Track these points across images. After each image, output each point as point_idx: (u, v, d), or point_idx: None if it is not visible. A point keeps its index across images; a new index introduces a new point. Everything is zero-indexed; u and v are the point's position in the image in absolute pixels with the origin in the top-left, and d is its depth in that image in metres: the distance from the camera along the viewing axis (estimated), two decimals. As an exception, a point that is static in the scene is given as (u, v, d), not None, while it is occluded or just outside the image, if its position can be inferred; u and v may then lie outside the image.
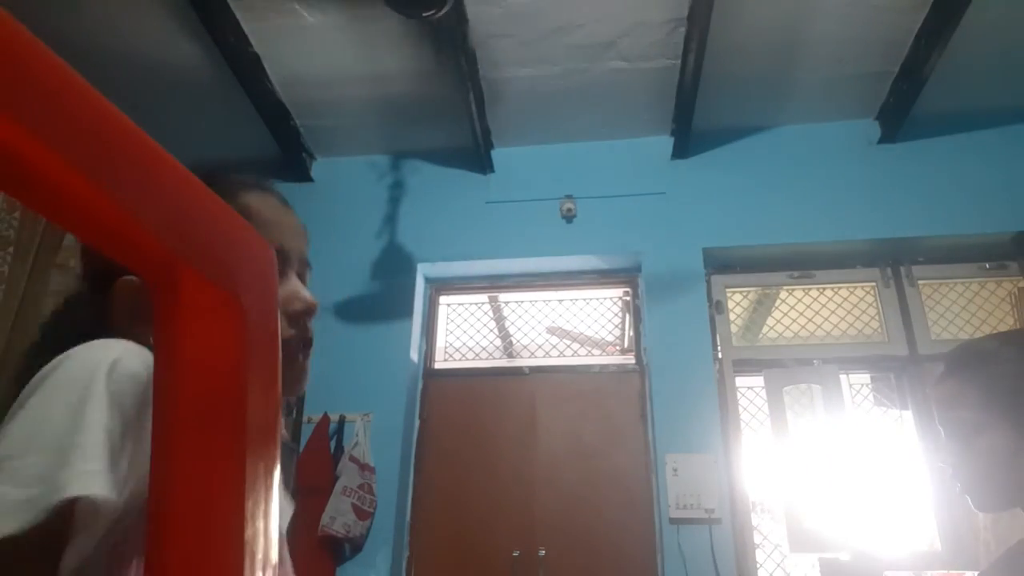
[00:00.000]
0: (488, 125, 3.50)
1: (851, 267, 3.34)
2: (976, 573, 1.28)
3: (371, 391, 3.17)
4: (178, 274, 0.30)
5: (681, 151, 3.49)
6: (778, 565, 3.05)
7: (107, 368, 0.42)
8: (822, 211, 3.29)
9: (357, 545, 2.89)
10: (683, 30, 2.95)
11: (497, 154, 3.65)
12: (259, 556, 0.31)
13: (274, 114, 3.40)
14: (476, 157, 3.58)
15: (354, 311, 3.38)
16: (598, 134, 3.58)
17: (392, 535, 2.93)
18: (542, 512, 3.03)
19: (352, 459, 2.93)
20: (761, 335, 3.50)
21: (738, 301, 3.48)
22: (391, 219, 3.60)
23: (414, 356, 3.35)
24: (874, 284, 3.31)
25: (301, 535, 2.83)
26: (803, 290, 3.40)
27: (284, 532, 0.67)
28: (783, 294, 3.45)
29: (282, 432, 0.39)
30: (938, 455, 0.99)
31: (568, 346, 3.53)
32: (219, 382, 0.31)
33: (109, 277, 0.57)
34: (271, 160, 3.69)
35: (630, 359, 3.37)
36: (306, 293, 0.68)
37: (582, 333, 3.57)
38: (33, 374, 0.54)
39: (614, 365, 3.38)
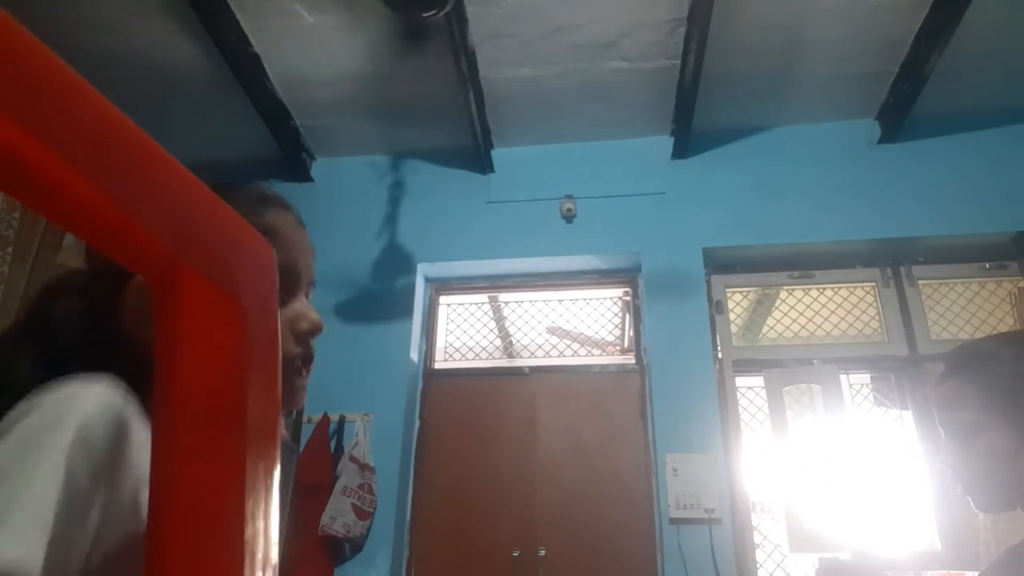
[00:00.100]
0: (488, 125, 3.50)
1: (851, 267, 3.34)
2: (976, 573, 1.28)
3: (371, 391, 3.17)
4: (178, 274, 0.30)
5: (681, 151, 3.49)
6: (778, 565, 3.05)
7: (77, 424, 0.40)
8: (822, 211, 3.29)
9: (357, 545, 2.89)
10: (683, 30, 2.95)
11: (497, 154, 3.65)
12: (259, 556, 0.31)
13: (274, 114, 3.40)
14: (476, 157, 3.58)
15: (354, 311, 3.38)
16: (598, 134, 3.58)
17: (392, 535, 2.93)
18: (542, 512, 3.03)
19: (352, 459, 2.93)
20: (761, 335, 3.50)
21: (738, 301, 3.48)
22: (391, 219, 3.60)
23: (414, 356, 3.35)
24: (874, 284, 3.31)
25: (301, 535, 2.84)
26: (803, 290, 3.40)
27: None
28: (783, 294, 3.45)
29: (282, 432, 0.38)
30: (939, 456, 0.99)
31: (568, 346, 3.53)
32: (219, 382, 0.31)
33: (116, 277, 0.56)
34: (271, 160, 3.69)
35: (630, 359, 3.37)
36: (313, 313, 0.67)
37: (582, 333, 3.57)
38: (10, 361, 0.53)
39: (614, 365, 3.38)
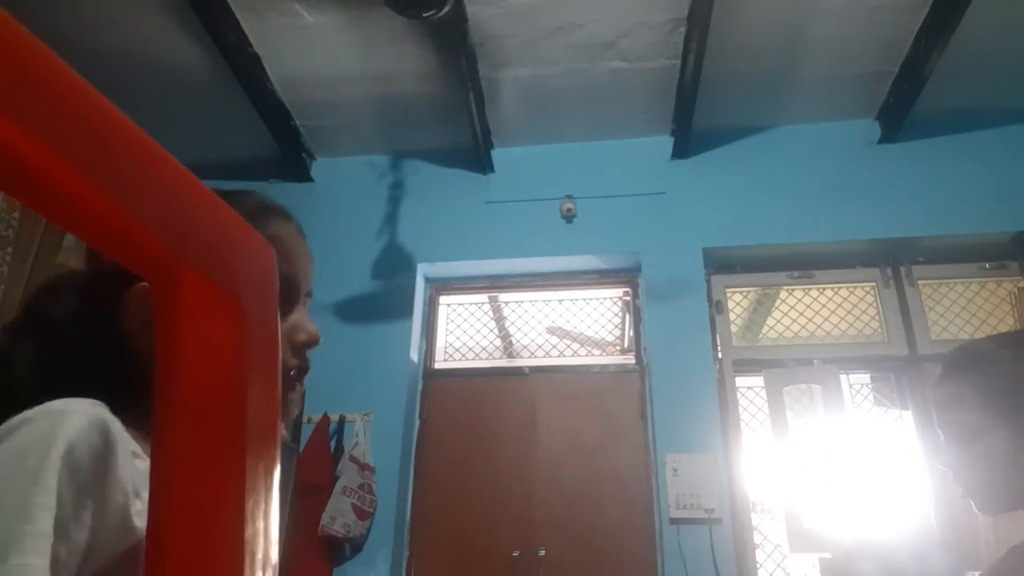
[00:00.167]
0: (488, 125, 3.50)
1: (851, 267, 3.34)
2: (977, 573, 1.28)
3: (371, 391, 3.17)
4: (178, 274, 0.30)
5: (681, 151, 3.49)
6: (778, 565, 3.05)
7: (63, 447, 0.40)
8: (822, 211, 3.29)
9: (357, 545, 2.89)
10: (683, 30, 2.95)
11: (497, 154, 3.65)
12: (259, 556, 0.31)
13: (274, 114, 3.40)
14: (476, 157, 3.58)
15: (354, 311, 3.38)
16: (598, 134, 3.58)
17: (392, 535, 2.93)
18: (542, 512, 3.03)
19: (352, 459, 2.93)
20: (761, 335, 3.51)
21: (738, 301, 3.48)
22: (391, 219, 3.60)
23: (414, 356, 3.35)
24: (874, 284, 3.31)
25: (301, 535, 2.84)
26: (803, 290, 3.40)
27: None
28: (783, 294, 3.45)
29: (282, 432, 0.38)
30: (939, 459, 0.99)
31: (568, 346, 3.53)
32: (219, 382, 0.31)
33: (117, 281, 0.56)
34: (271, 160, 3.69)
35: (630, 359, 3.37)
36: (311, 325, 0.68)
37: (582, 333, 3.57)
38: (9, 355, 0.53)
39: (614, 365, 3.38)
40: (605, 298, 3.60)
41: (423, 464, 3.22)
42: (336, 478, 2.89)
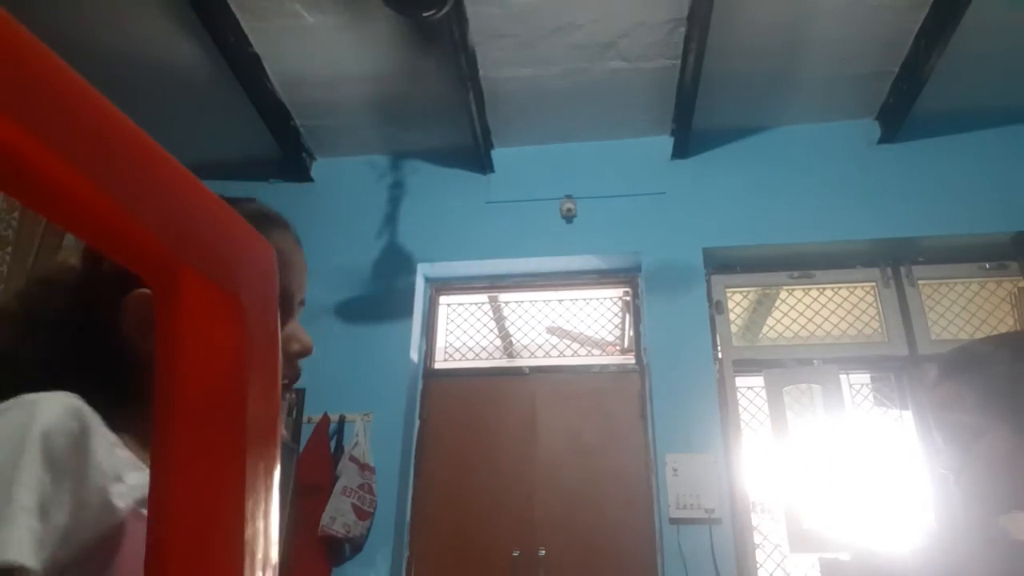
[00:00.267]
0: (488, 125, 3.50)
1: (851, 267, 3.34)
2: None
3: (371, 391, 3.17)
4: (178, 274, 0.30)
5: (681, 151, 3.49)
6: (778, 565, 3.05)
7: (41, 432, 0.41)
8: (822, 211, 3.29)
9: (357, 545, 2.89)
10: (683, 30, 2.95)
11: (497, 154, 3.66)
12: (259, 556, 0.31)
13: (274, 114, 3.40)
14: (476, 157, 3.58)
15: (354, 311, 3.38)
16: (598, 134, 3.58)
17: (392, 535, 2.93)
18: (542, 512, 3.03)
19: (352, 459, 2.93)
20: (761, 335, 3.51)
21: (738, 301, 3.48)
22: (391, 219, 3.60)
23: (414, 356, 3.35)
24: (874, 284, 3.32)
25: (301, 535, 2.84)
26: (803, 290, 3.40)
27: None
28: (783, 294, 3.45)
29: (282, 432, 0.38)
30: (938, 460, 0.98)
31: (568, 346, 3.53)
32: (219, 382, 0.31)
33: (117, 284, 0.56)
34: (271, 160, 3.69)
35: (630, 359, 3.37)
36: (305, 336, 0.68)
37: (582, 333, 3.57)
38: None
39: (614, 365, 3.38)
40: (605, 298, 3.60)
41: (423, 464, 3.22)
42: (336, 478, 2.89)
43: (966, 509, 0.99)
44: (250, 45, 3.05)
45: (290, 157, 3.65)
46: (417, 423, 3.30)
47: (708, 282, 3.33)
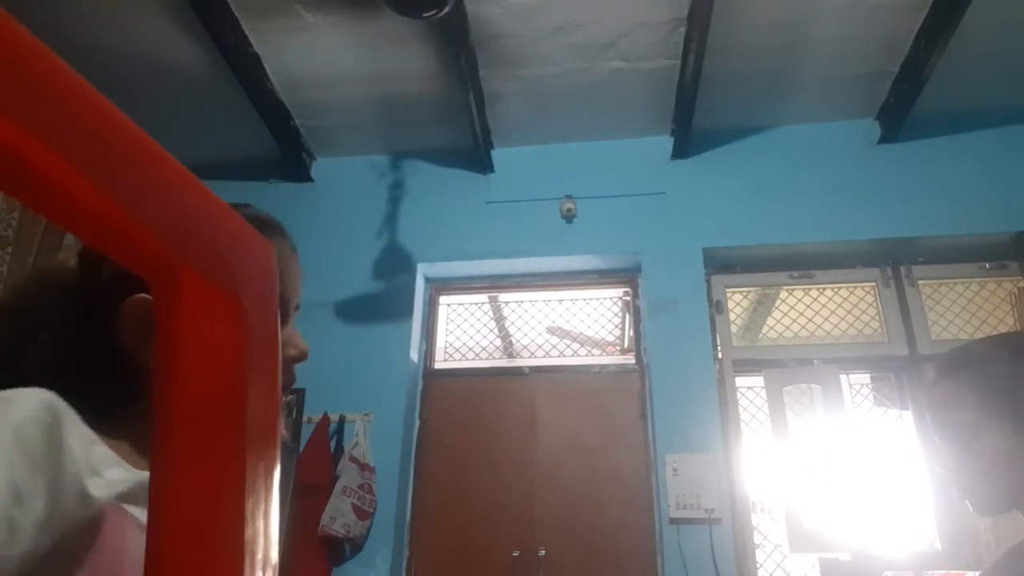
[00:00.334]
0: (488, 125, 3.50)
1: (851, 267, 3.34)
2: (977, 573, 1.28)
3: (371, 391, 3.17)
4: (178, 274, 0.30)
5: (681, 151, 3.49)
6: (778, 565, 3.05)
7: (15, 424, 0.42)
8: (822, 211, 3.29)
9: (357, 545, 2.89)
10: (683, 30, 2.95)
11: (497, 154, 3.66)
12: (259, 556, 0.31)
13: (274, 114, 3.40)
14: (476, 157, 3.58)
15: (354, 311, 3.38)
16: (598, 134, 3.58)
17: (392, 535, 2.93)
18: (542, 512, 3.03)
19: (352, 459, 2.93)
20: (761, 335, 3.51)
21: (738, 301, 3.48)
22: (391, 219, 3.60)
23: (414, 356, 3.35)
24: (874, 284, 3.32)
25: (301, 535, 2.84)
26: (803, 290, 3.40)
27: None
28: (783, 294, 3.45)
29: (282, 432, 0.38)
30: (937, 460, 0.98)
31: (568, 346, 3.53)
32: (219, 382, 0.31)
33: (113, 291, 0.56)
34: (271, 160, 3.69)
35: (630, 359, 3.37)
36: (301, 341, 0.68)
37: (582, 333, 3.57)
38: None
39: (614, 365, 3.38)
40: (605, 298, 3.60)
41: (423, 464, 3.22)
42: (336, 478, 2.89)
43: (965, 509, 0.99)
44: (250, 45, 3.05)
45: (290, 157, 3.65)
46: (417, 423, 3.30)
47: (708, 282, 3.33)
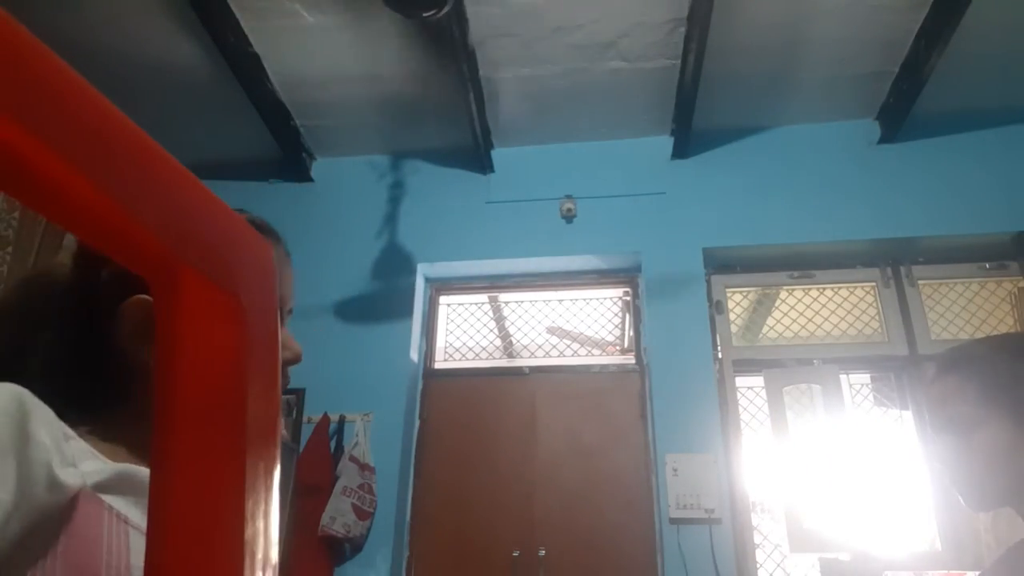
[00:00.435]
0: (488, 125, 3.50)
1: (851, 267, 3.34)
2: (977, 573, 1.28)
3: (371, 391, 3.17)
4: (178, 274, 0.30)
5: (681, 151, 3.49)
6: (778, 565, 3.05)
7: None
8: (822, 211, 3.29)
9: (357, 545, 2.89)
10: (683, 30, 2.95)
11: (497, 154, 3.66)
12: (259, 556, 0.31)
13: (274, 114, 3.40)
14: (476, 157, 3.58)
15: (354, 311, 3.38)
16: (598, 134, 3.58)
17: (392, 535, 2.93)
18: (542, 512, 3.03)
19: (352, 459, 2.93)
20: (761, 335, 3.50)
21: (738, 301, 3.48)
22: (391, 219, 3.60)
23: (414, 356, 3.35)
24: (874, 284, 3.32)
25: (301, 535, 2.84)
26: (803, 290, 3.40)
27: None
28: (783, 294, 3.45)
29: (282, 432, 0.38)
30: (933, 451, 0.98)
31: (568, 346, 3.53)
32: (219, 382, 0.31)
33: (111, 293, 0.56)
34: (271, 160, 3.69)
35: (630, 359, 3.37)
36: (294, 343, 0.68)
37: (582, 333, 3.57)
38: None
39: (614, 365, 3.38)
40: (605, 298, 3.60)
41: (423, 464, 3.22)
42: (336, 478, 2.89)
43: (965, 509, 0.99)
44: (250, 45, 3.05)
45: (290, 157, 3.65)
46: (417, 423, 3.30)
47: (708, 282, 3.33)
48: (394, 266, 3.48)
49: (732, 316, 3.37)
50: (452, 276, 3.63)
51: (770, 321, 3.46)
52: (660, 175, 3.50)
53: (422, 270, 3.53)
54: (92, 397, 0.54)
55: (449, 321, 3.66)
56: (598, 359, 3.50)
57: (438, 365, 3.51)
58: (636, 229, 3.41)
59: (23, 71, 0.23)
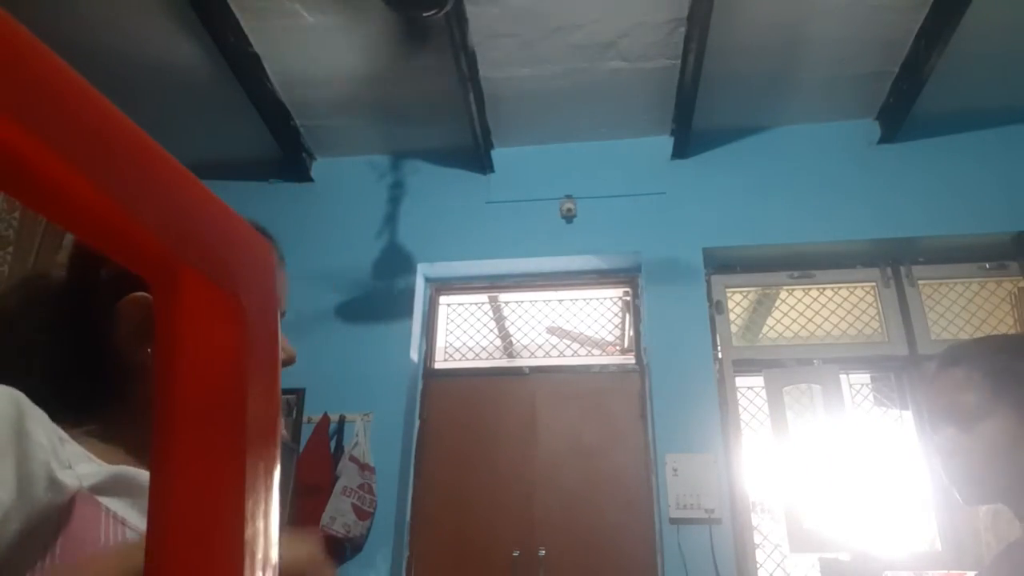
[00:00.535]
0: (488, 125, 3.50)
1: (851, 267, 3.34)
2: (976, 573, 1.27)
3: (371, 391, 3.17)
4: (178, 274, 0.30)
5: (681, 151, 3.49)
6: (778, 565, 3.05)
7: None
8: (822, 211, 3.29)
9: (357, 545, 2.89)
10: (683, 30, 2.95)
11: (497, 154, 3.66)
12: (259, 556, 0.31)
13: (274, 114, 3.40)
14: (476, 157, 3.58)
15: (354, 311, 3.38)
16: (598, 134, 3.58)
17: (392, 535, 2.93)
18: (542, 512, 3.03)
19: (352, 459, 2.93)
20: (761, 335, 3.51)
21: (738, 301, 3.48)
22: (391, 219, 3.60)
23: (414, 356, 3.35)
24: (874, 284, 3.32)
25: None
26: (803, 290, 3.40)
27: None
28: (783, 294, 3.45)
29: (282, 432, 0.38)
30: (933, 443, 0.97)
31: (568, 346, 3.53)
32: (219, 382, 0.31)
33: (108, 293, 0.56)
34: (271, 160, 3.69)
35: (630, 359, 3.37)
36: (288, 345, 0.68)
37: (582, 333, 3.57)
38: None
39: (614, 365, 3.38)
40: (605, 298, 3.60)
41: (423, 464, 3.22)
42: (336, 478, 2.89)
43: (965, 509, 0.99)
44: (250, 45, 3.05)
45: (290, 157, 3.65)
46: (417, 423, 3.30)
47: (708, 282, 3.33)
48: (394, 266, 3.48)
49: (732, 316, 3.37)
50: (452, 276, 3.63)
51: (770, 321, 3.46)
52: (660, 175, 3.50)
53: (422, 270, 3.53)
54: (90, 397, 0.54)
55: (449, 321, 3.66)
56: (598, 359, 3.50)
57: (438, 365, 3.51)
58: (636, 229, 3.41)
59: (23, 71, 0.23)
